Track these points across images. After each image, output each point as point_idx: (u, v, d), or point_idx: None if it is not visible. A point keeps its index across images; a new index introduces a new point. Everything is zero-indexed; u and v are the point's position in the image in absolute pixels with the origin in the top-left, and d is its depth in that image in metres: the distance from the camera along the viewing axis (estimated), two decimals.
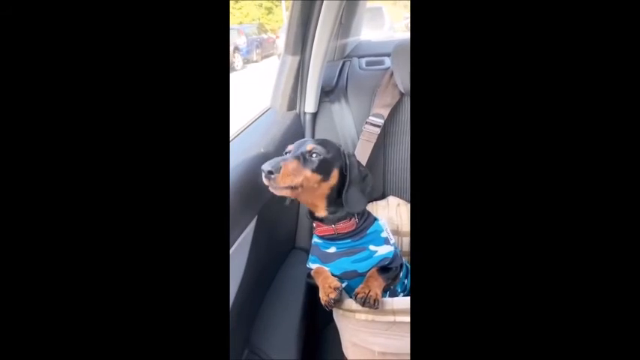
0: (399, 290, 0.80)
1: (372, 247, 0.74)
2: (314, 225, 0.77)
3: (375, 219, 0.78)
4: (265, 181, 0.65)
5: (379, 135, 1.00)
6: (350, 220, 0.74)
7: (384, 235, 0.77)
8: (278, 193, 0.67)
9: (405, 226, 1.02)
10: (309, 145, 0.70)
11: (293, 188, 0.67)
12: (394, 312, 0.66)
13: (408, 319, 0.66)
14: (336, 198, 0.73)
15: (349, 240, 0.74)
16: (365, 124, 1.02)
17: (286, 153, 0.72)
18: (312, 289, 0.80)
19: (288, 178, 0.66)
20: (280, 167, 0.65)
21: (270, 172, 0.64)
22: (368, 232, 0.75)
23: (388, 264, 0.74)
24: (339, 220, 0.74)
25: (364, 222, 0.76)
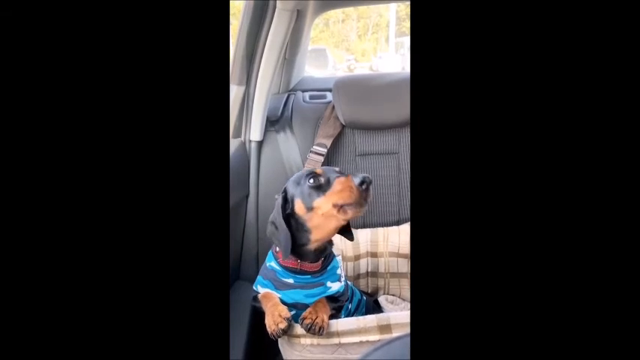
0: (343, 315, 0.81)
1: (328, 284, 0.75)
2: (275, 250, 0.77)
3: (334, 256, 0.80)
4: (365, 190, 0.65)
5: (323, 163, 1.05)
6: (318, 260, 0.75)
7: (339, 271, 0.79)
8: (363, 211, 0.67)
9: (350, 251, 1.05)
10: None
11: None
12: (339, 334, 0.67)
13: (352, 339, 0.66)
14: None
15: (309, 276, 0.74)
16: (309, 153, 1.06)
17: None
18: (257, 319, 0.78)
19: None
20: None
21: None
22: (328, 268, 0.77)
23: (337, 296, 0.76)
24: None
25: (327, 260, 0.77)
